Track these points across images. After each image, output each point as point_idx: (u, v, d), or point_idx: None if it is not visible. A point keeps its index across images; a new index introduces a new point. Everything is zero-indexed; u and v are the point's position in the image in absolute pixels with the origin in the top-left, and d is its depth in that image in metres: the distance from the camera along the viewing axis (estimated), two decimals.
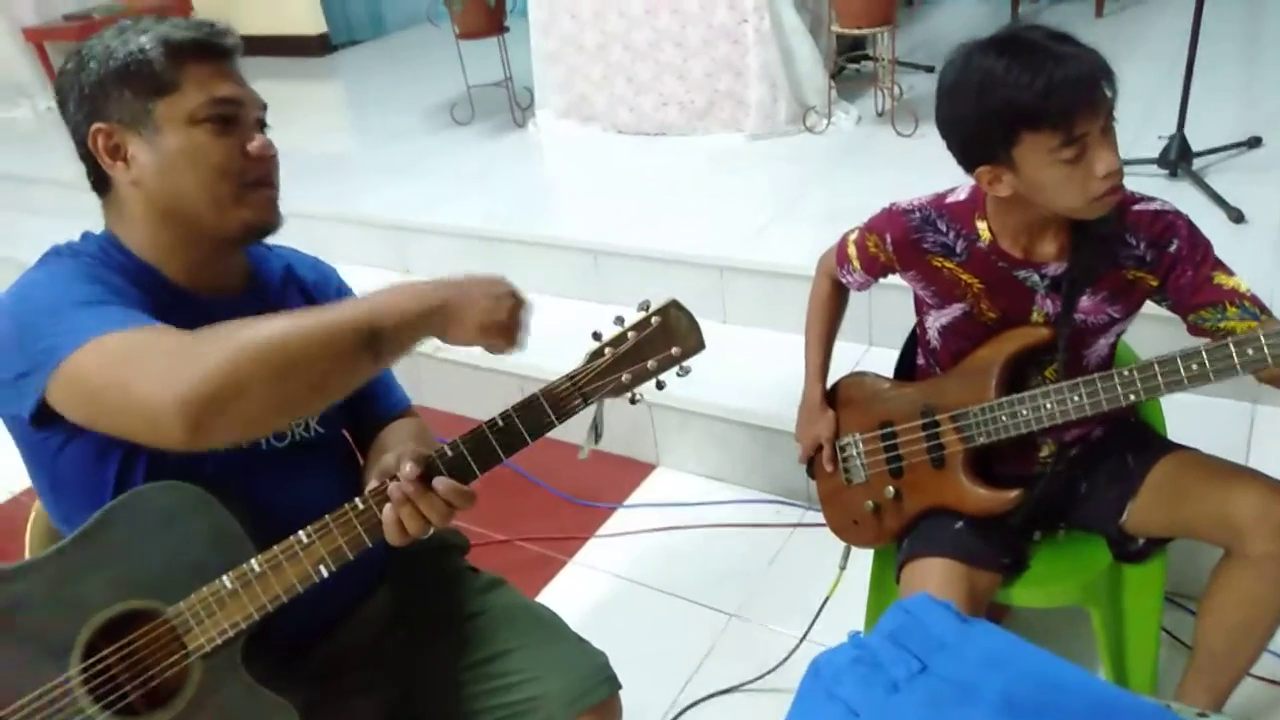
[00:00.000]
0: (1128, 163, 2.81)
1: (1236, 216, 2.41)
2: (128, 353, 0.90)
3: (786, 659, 1.82)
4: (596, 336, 1.08)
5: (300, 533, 1.04)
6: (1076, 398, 1.37)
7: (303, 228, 3.56)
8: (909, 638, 0.53)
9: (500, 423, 1.04)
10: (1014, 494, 1.46)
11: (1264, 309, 1.36)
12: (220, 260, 1.14)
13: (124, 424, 0.90)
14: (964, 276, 1.44)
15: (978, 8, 4.92)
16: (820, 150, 3.42)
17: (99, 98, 1.04)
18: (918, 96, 3.67)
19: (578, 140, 3.92)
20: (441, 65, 4.83)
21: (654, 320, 1.05)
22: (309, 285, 1.28)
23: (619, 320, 1.07)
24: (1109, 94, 1.26)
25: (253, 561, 1.03)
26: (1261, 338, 1.21)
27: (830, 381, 1.69)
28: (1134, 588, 1.63)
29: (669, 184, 3.34)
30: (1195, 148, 2.65)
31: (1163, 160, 2.66)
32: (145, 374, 0.87)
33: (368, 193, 3.70)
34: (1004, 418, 1.43)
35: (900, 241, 1.48)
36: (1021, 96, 1.22)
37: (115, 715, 1.01)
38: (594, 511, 2.38)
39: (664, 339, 1.05)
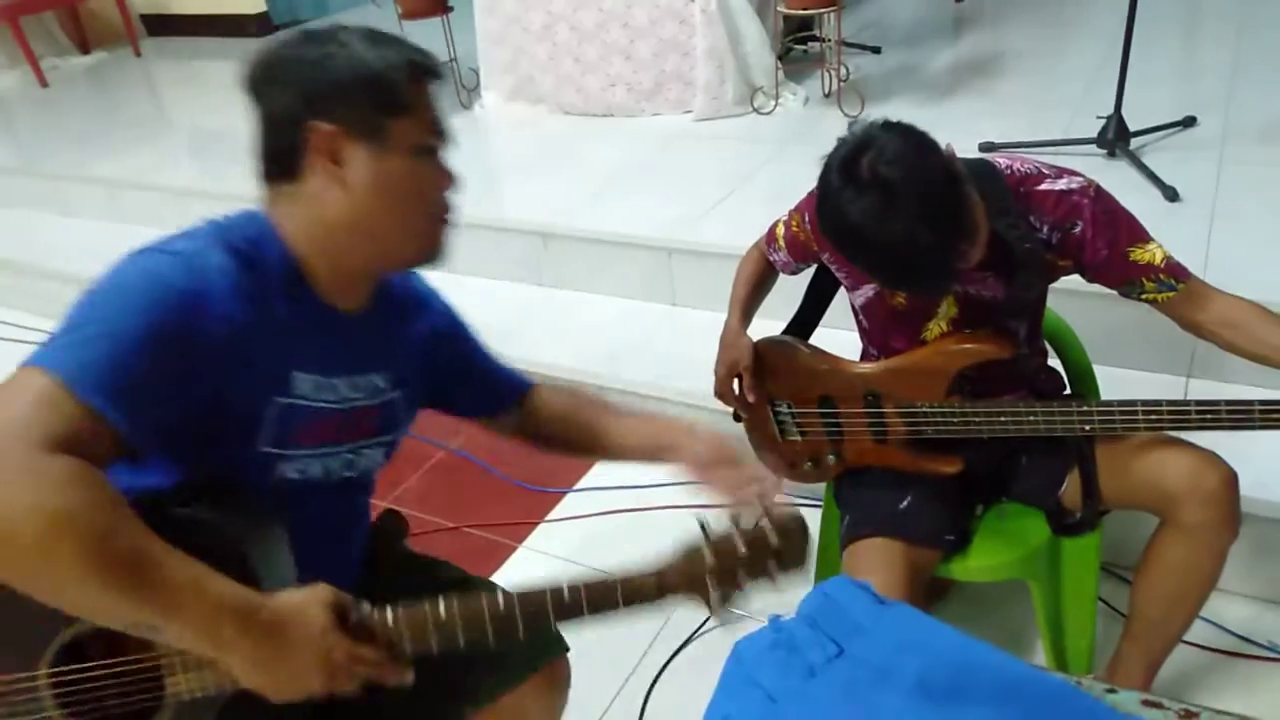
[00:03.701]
0: (1066, 142, 2.86)
1: (1171, 195, 2.46)
2: (13, 399, 0.83)
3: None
4: (703, 528, 1.01)
5: None
6: (1033, 418, 1.41)
7: None
8: (827, 621, 0.53)
9: (567, 595, 0.97)
10: (958, 464, 1.50)
11: (1181, 276, 1.38)
12: (363, 282, 1.10)
13: None
14: None
15: None
16: (768, 131, 3.42)
17: (334, 98, 0.97)
18: (864, 77, 3.69)
19: (525, 121, 3.88)
20: None
21: (774, 540, 0.97)
22: (408, 305, 1.21)
23: (734, 521, 0.99)
24: None
25: None
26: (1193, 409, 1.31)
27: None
28: (1072, 560, 1.66)
29: (617, 165, 3.32)
30: (1132, 127, 2.69)
31: (1101, 140, 2.69)
32: None
33: None
34: (955, 420, 1.46)
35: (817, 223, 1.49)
36: None
37: None
38: (543, 496, 2.37)
39: (772, 556, 0.97)
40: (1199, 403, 1.32)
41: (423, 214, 1.05)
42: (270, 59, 1.00)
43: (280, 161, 1.02)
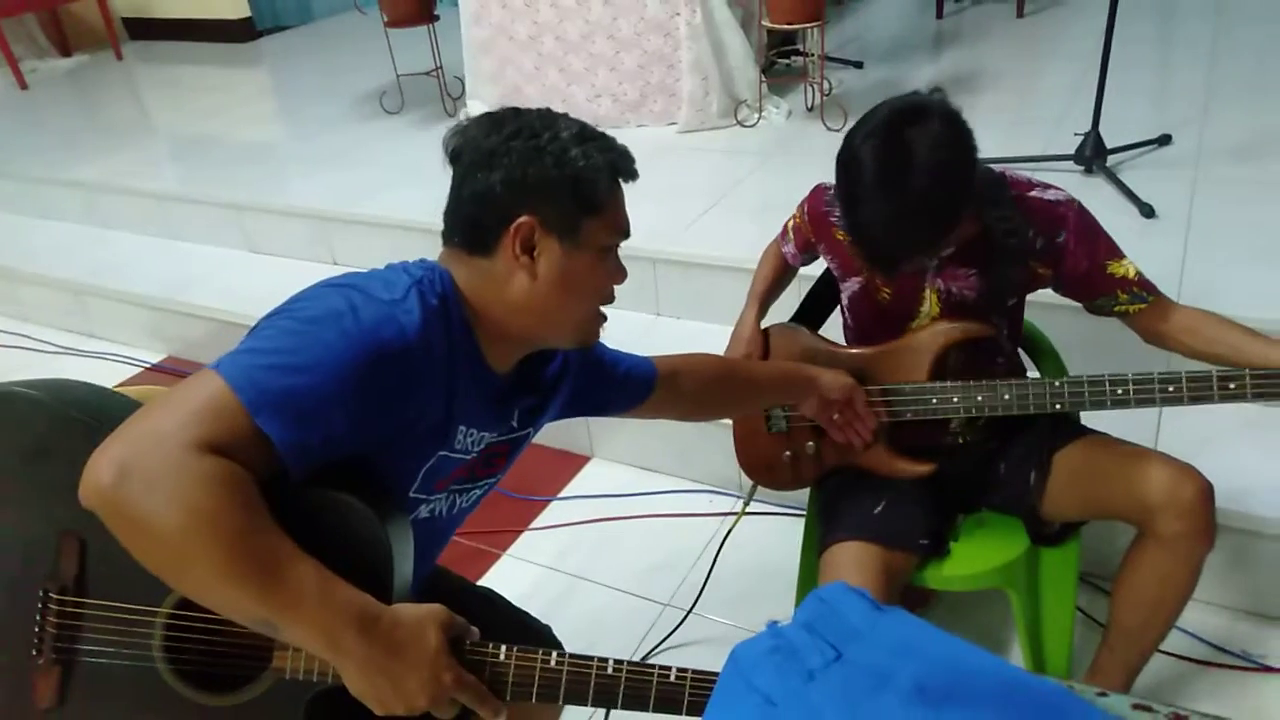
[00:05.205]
0: (1044, 159, 2.90)
1: (1147, 211, 2.50)
2: (188, 399, 0.85)
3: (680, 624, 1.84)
4: None
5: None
6: (1007, 396, 1.45)
7: (228, 218, 3.49)
8: (824, 626, 0.54)
9: (674, 678, 0.97)
10: (929, 466, 1.54)
11: (1151, 290, 1.45)
12: (521, 351, 1.14)
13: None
14: None
15: (905, 5, 5.01)
16: (751, 144, 3.45)
17: (541, 193, 1.01)
18: (846, 92, 3.73)
19: None
20: (370, 53, 4.74)
21: None
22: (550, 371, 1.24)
23: None
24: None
25: None
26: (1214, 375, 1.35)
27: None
28: (1050, 570, 1.69)
29: None
30: (1109, 144, 2.74)
31: (1078, 157, 2.74)
32: (152, 420, 0.84)
33: (294, 183, 3.62)
34: (934, 400, 1.50)
35: (814, 213, 1.59)
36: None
37: (172, 669, 0.98)
38: (528, 504, 2.37)
39: None
40: (1162, 375, 1.37)
41: (593, 306, 1.11)
42: (490, 146, 1.02)
43: (474, 236, 1.05)
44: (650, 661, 1.89)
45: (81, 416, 0.97)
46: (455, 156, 1.05)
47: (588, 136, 1.04)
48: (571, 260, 1.04)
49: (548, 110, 1.06)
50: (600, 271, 1.08)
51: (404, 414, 0.98)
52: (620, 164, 1.06)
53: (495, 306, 1.05)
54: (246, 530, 0.83)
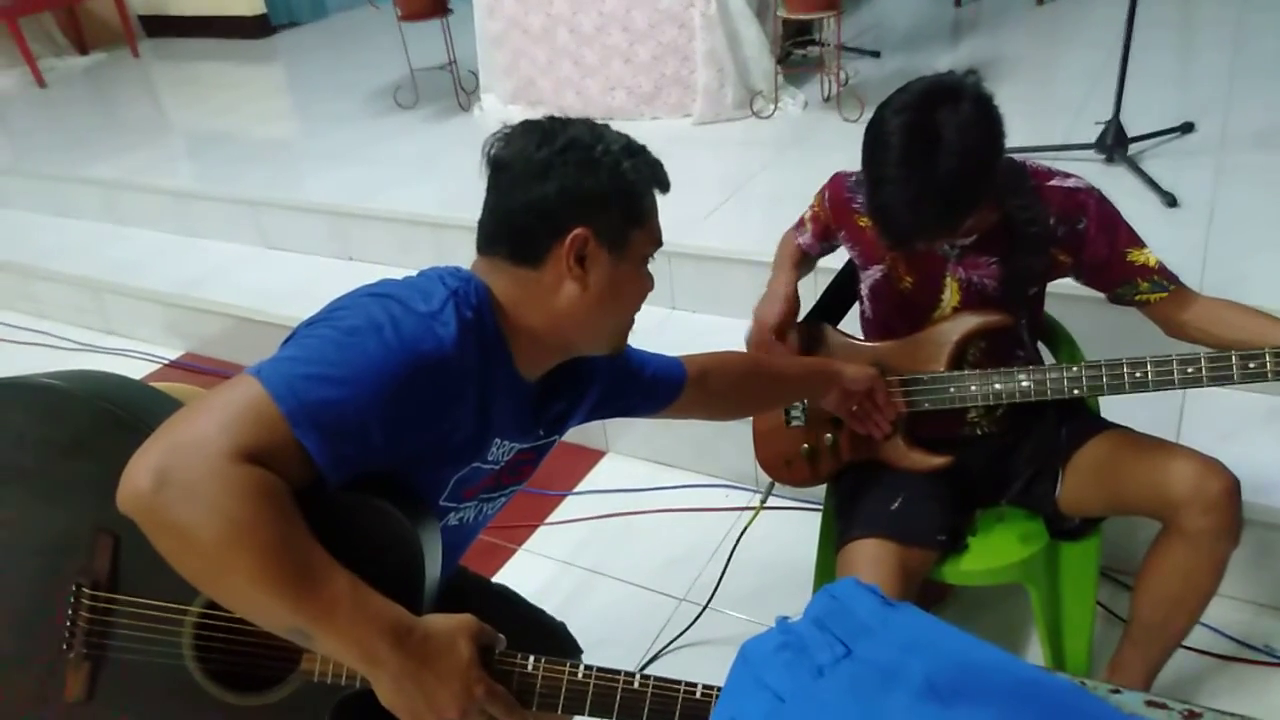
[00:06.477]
0: (1065, 148, 2.87)
1: (1170, 200, 2.47)
2: (227, 405, 0.85)
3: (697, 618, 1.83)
4: None
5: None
6: (1025, 382, 1.44)
7: (244, 214, 3.50)
8: (834, 622, 0.53)
9: (700, 694, 0.97)
10: (946, 458, 1.53)
11: (1172, 279, 1.43)
12: (555, 360, 1.14)
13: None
14: None
15: None
16: (767, 135, 3.43)
17: (596, 204, 1.02)
18: (863, 82, 3.70)
19: None
20: (384, 48, 4.75)
21: None
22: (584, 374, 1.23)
23: None
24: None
25: None
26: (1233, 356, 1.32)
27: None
28: (1070, 565, 1.66)
29: None
30: (1131, 133, 2.71)
31: (1100, 145, 2.71)
32: (190, 426, 0.83)
33: (310, 178, 3.62)
34: (952, 389, 1.49)
35: (835, 199, 1.58)
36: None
37: (200, 668, 0.99)
38: (543, 499, 2.37)
39: None
40: (1181, 356, 1.35)
41: (628, 316, 1.13)
42: (543, 157, 1.01)
43: (523, 247, 1.04)
44: (668, 655, 1.89)
45: (115, 410, 0.97)
46: (502, 166, 1.04)
47: (634, 150, 1.05)
48: (618, 270, 1.05)
49: (590, 121, 1.06)
50: (641, 282, 1.10)
51: (439, 426, 0.98)
52: (660, 176, 1.07)
53: (535, 316, 1.05)
54: (283, 541, 0.83)
